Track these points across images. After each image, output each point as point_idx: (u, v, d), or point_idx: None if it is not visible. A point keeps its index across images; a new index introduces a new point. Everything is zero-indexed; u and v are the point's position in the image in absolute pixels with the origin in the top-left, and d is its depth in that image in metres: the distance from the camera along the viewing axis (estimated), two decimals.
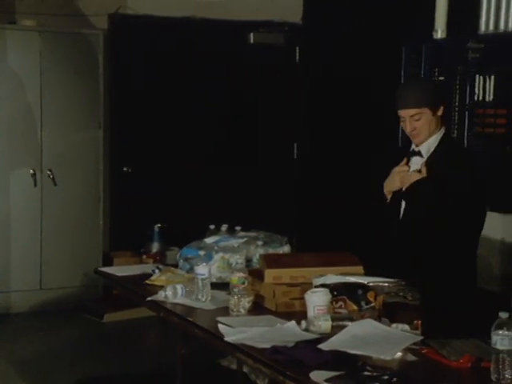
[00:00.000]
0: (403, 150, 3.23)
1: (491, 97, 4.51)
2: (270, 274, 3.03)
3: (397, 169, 3.08)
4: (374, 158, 3.28)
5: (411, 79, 3.09)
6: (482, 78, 4.55)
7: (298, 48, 6.83)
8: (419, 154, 3.10)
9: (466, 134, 4.65)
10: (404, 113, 3.05)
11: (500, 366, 2.21)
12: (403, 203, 3.12)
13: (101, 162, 6.19)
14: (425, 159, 3.07)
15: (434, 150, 3.06)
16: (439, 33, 4.99)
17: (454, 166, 2.98)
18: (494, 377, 2.23)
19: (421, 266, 2.90)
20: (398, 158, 3.17)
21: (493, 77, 4.49)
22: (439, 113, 3.05)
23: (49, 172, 5.99)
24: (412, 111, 3.03)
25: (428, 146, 3.08)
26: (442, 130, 3.09)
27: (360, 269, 3.04)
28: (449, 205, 2.90)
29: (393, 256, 3.06)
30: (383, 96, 5.47)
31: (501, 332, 2.20)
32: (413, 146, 3.12)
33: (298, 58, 6.85)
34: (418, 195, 3.01)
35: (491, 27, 4.75)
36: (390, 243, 3.13)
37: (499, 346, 2.20)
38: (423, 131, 3.05)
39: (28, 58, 5.86)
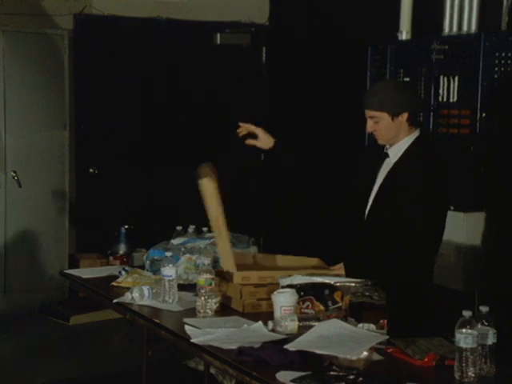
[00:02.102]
0: (371, 149, 3.27)
1: (455, 98, 4.56)
2: (239, 276, 3.03)
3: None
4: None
5: (381, 81, 3.07)
6: (446, 78, 4.60)
7: (264, 49, 6.84)
8: (387, 155, 3.13)
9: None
10: (366, 112, 3.10)
11: (463, 364, 2.24)
12: (368, 205, 3.15)
13: (66, 163, 6.14)
14: (393, 162, 3.11)
15: (403, 153, 3.09)
16: (404, 34, 5.03)
17: (416, 175, 2.99)
18: (457, 375, 2.26)
19: (385, 266, 2.93)
20: (367, 156, 3.22)
21: (457, 78, 4.54)
22: (402, 119, 3.05)
23: (13, 173, 5.92)
24: (370, 113, 3.07)
25: (396, 149, 3.10)
26: (416, 133, 3.10)
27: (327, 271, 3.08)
28: (410, 215, 2.93)
29: (357, 256, 3.08)
30: (349, 97, 5.53)
31: (464, 330, 2.23)
32: (386, 146, 3.15)
33: (264, 58, 6.86)
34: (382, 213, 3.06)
35: (455, 29, 4.81)
36: (355, 244, 3.16)
37: (463, 345, 2.23)
38: (383, 134, 3.08)
39: None
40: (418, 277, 2.96)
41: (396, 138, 3.08)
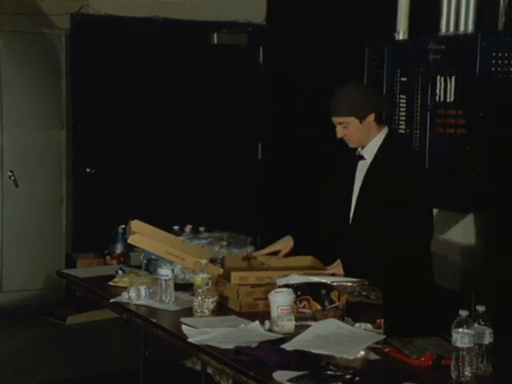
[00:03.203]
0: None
1: (452, 98, 4.57)
2: (236, 276, 3.03)
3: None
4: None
5: (343, 86, 3.05)
6: (442, 78, 4.61)
7: (261, 48, 6.85)
8: (363, 157, 3.15)
9: (427, 134, 4.71)
10: (333, 119, 3.11)
11: (460, 364, 2.24)
12: (351, 209, 3.15)
13: (63, 163, 6.14)
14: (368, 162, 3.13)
15: (378, 152, 3.11)
16: (401, 34, 5.04)
17: (394, 170, 3.01)
18: (454, 374, 2.26)
19: (375, 267, 2.94)
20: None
21: (453, 78, 4.55)
22: (370, 119, 3.08)
23: (10, 173, 5.92)
24: (338, 119, 3.10)
25: (370, 149, 3.13)
26: (385, 130, 3.14)
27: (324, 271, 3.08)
28: (394, 211, 2.94)
29: (348, 257, 3.07)
30: None
31: (461, 330, 2.23)
32: (358, 149, 3.17)
33: (261, 58, 6.87)
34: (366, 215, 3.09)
35: (452, 29, 4.82)
36: (344, 245, 3.16)
37: (459, 344, 2.23)
38: (353, 138, 3.11)
39: None
40: (410, 275, 2.97)
41: (367, 139, 3.12)
